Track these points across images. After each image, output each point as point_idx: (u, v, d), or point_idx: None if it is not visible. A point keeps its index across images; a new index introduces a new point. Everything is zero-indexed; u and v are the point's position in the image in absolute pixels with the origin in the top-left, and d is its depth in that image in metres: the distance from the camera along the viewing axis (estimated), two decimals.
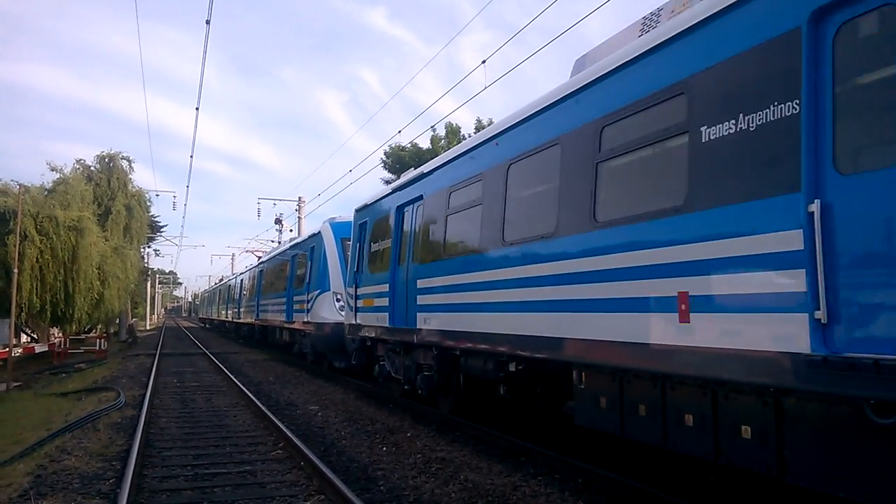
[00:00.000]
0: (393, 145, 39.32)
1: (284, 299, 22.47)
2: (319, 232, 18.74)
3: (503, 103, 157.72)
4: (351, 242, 14.87)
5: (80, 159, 35.57)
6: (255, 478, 7.62)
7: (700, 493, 6.65)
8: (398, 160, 39.83)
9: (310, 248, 19.58)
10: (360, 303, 13.61)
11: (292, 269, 22.19)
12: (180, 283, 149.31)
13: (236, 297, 39.10)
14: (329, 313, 17.07)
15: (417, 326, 10.41)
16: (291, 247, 23.49)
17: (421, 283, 10.43)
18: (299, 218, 37.47)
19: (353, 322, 13.84)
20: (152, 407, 12.80)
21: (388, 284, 11.82)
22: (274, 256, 27.68)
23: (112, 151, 36.87)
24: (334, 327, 16.47)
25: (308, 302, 18.61)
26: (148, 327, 75.13)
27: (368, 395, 14.32)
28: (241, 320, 36.10)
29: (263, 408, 11.93)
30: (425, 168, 11.12)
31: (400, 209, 11.92)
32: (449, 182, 9.90)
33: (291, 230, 38.69)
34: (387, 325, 11.79)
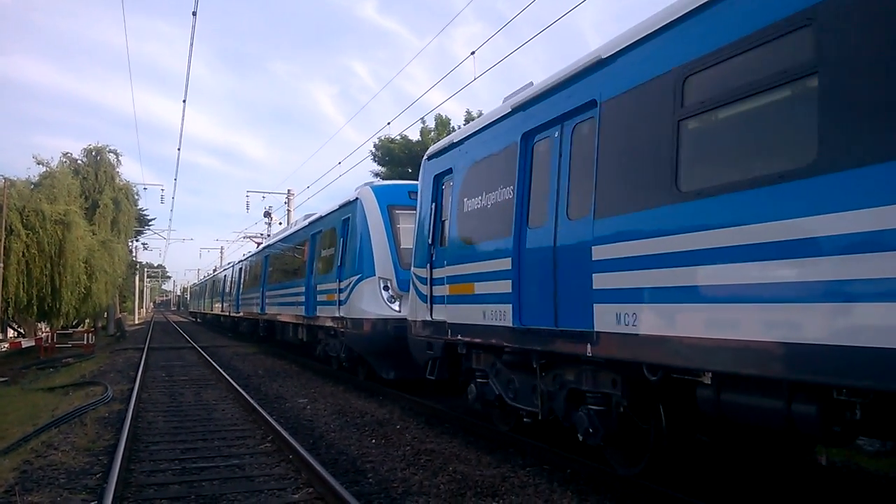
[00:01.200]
0: (382, 137, 39.18)
1: (303, 289, 17.97)
2: (356, 199, 14.14)
3: (494, 95, 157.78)
4: (419, 205, 10.65)
5: (67, 153, 35.37)
6: (244, 471, 7.60)
7: (685, 483, 6.68)
8: (388, 152, 39.74)
9: (340, 221, 15.05)
10: (440, 290, 9.38)
11: (313, 251, 17.61)
12: (169, 277, 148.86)
13: (234, 288, 34.04)
14: (373, 306, 12.88)
15: (597, 328, 6.06)
16: (312, 222, 18.34)
17: (605, 253, 6.00)
18: (288, 210, 37.40)
19: (428, 318, 9.73)
20: (140, 401, 12.74)
21: (509, 259, 7.61)
22: (286, 237, 22.35)
23: (99, 145, 36.72)
24: (381, 325, 12.59)
25: (341, 292, 14.31)
26: (136, 321, 74.76)
27: (358, 388, 14.31)
28: (240, 315, 31.46)
29: (252, 401, 11.90)
30: (603, 51, 6.48)
31: (530, 137, 7.57)
32: (682, 58, 5.42)
33: (281, 223, 38.58)
34: (508, 323, 7.59)
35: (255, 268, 28.00)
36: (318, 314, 16.37)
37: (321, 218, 17.39)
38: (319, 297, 16.27)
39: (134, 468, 7.74)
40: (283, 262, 22.08)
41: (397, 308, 12.48)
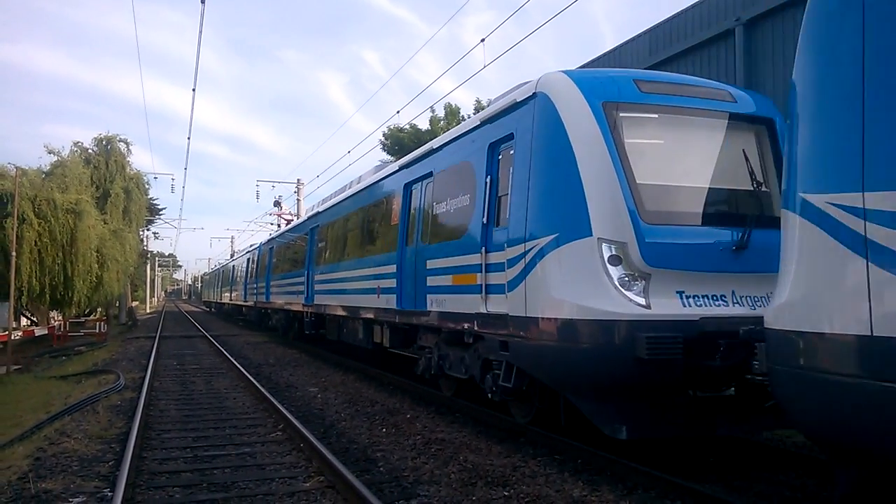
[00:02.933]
0: (391, 126, 39.09)
1: (392, 268, 11.58)
2: (534, 96, 7.62)
3: (504, 83, 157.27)
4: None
5: (78, 142, 35.43)
6: (255, 459, 7.63)
7: (699, 472, 6.64)
8: (397, 141, 39.64)
9: (485, 147, 8.62)
10: None
11: (408, 209, 11.25)
12: (180, 266, 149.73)
13: (261, 273, 28.39)
14: (589, 296, 6.63)
15: None
16: (407, 165, 11.71)
17: None
18: (298, 200, 37.51)
19: None
20: (152, 389, 12.81)
21: None
22: (350, 197, 15.56)
23: (110, 134, 36.70)
24: (609, 334, 6.46)
25: (493, 270, 8.05)
26: (148, 310, 75.26)
27: (369, 377, 14.33)
28: (271, 305, 25.75)
29: (263, 390, 11.94)
30: None
31: None
32: None
33: (290, 212, 38.70)
34: None
35: (293, 246, 22.24)
36: (428, 308, 9.92)
37: (431, 153, 10.59)
38: (432, 281, 9.90)
39: (146, 456, 7.77)
40: (344, 234, 15.76)
41: (641, 300, 6.49)
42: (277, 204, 41.47)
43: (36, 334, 27.69)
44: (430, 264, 9.97)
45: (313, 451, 7.51)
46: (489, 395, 8.49)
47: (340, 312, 15.37)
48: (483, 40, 14.25)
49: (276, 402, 10.51)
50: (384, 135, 40.59)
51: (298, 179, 38.27)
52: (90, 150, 35.43)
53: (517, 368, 7.84)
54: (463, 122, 9.80)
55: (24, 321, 32.78)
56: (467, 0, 15.18)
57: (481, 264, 8.27)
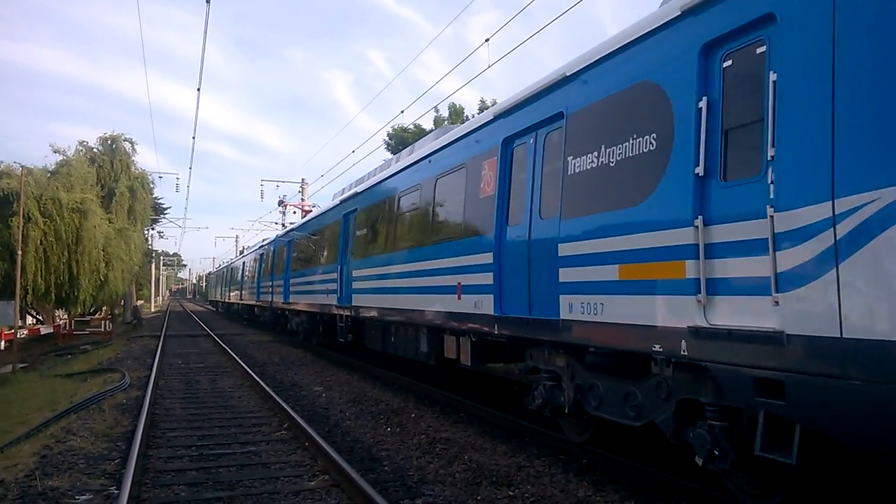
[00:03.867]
0: (396, 126, 39.10)
1: (478, 259, 8.62)
2: None
3: (508, 83, 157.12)
4: None
5: (83, 141, 35.40)
6: (260, 458, 7.65)
7: (703, 476, 6.63)
8: (401, 141, 39.67)
9: (701, 47, 5.16)
10: None
11: (511, 168, 8.17)
12: (185, 266, 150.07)
13: (277, 270, 25.13)
14: None
15: None
16: (507, 112, 8.27)
17: None
18: (302, 199, 37.56)
19: None
20: (157, 388, 12.84)
21: None
22: (403, 169, 12.25)
23: (115, 133, 36.69)
24: None
25: (729, 252, 4.84)
26: (153, 309, 75.36)
27: (373, 377, 14.34)
28: (291, 306, 22.22)
29: (268, 389, 11.96)
30: None
31: None
32: None
33: (295, 212, 38.71)
34: None
35: (320, 237, 18.81)
36: (560, 315, 6.68)
37: (561, 84, 7.14)
38: (569, 274, 6.63)
39: (152, 454, 7.81)
40: (397, 216, 12.20)
41: None
42: (282, 203, 41.48)
43: (41, 333, 27.70)
44: (566, 249, 6.70)
45: (318, 450, 7.52)
46: (700, 462, 5.31)
47: (390, 317, 12.14)
48: (488, 40, 14.24)
49: (280, 402, 10.53)
50: (388, 134, 40.62)
51: (303, 179, 38.36)
52: (95, 150, 35.44)
53: (802, 429, 4.52)
54: (624, 30, 6.37)
55: (29, 320, 32.85)
56: (472, 1, 15.13)
57: (697, 245, 5.08)
